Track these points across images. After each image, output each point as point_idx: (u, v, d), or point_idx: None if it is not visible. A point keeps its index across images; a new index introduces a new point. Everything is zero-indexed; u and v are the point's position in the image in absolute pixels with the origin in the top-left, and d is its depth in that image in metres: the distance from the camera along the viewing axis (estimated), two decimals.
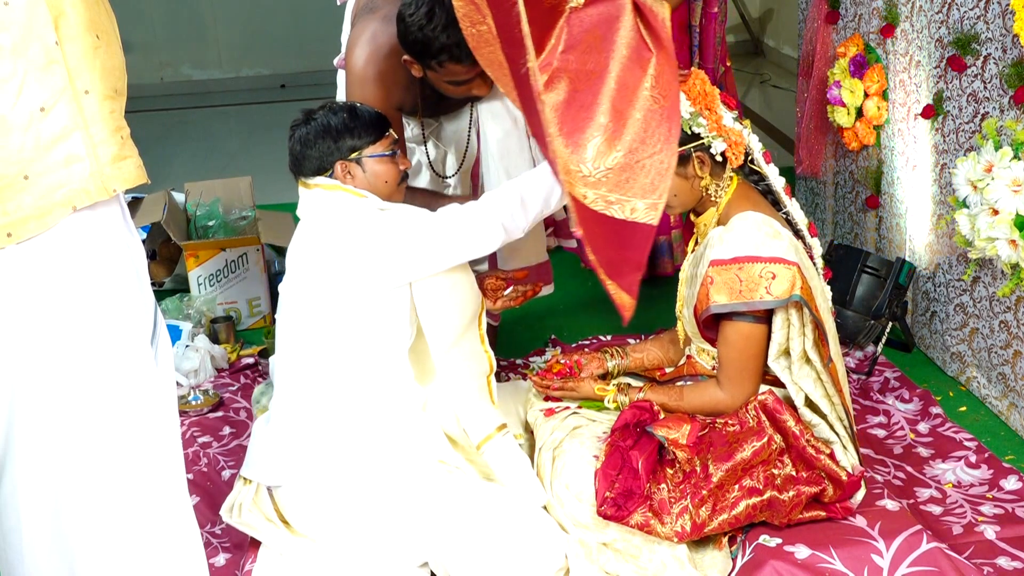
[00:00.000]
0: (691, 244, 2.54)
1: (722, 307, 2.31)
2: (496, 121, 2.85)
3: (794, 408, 2.36)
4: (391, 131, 2.45)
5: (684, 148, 2.33)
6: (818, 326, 2.32)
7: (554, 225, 3.15)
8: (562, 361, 2.63)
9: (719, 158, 2.36)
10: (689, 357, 2.61)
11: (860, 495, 2.39)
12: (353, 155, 2.39)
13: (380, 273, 2.33)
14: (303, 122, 2.43)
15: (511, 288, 2.59)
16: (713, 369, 2.50)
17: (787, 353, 2.35)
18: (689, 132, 2.31)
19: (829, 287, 2.55)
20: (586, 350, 3.45)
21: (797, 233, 2.46)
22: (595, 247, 2.04)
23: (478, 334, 2.48)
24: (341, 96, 3.20)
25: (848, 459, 2.36)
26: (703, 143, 2.34)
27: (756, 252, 2.29)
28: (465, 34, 2.02)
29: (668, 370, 2.69)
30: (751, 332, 2.34)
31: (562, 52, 2.17)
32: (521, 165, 2.85)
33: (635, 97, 2.12)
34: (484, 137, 2.87)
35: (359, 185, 2.40)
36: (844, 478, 2.31)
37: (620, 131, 2.12)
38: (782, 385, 2.38)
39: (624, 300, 2.02)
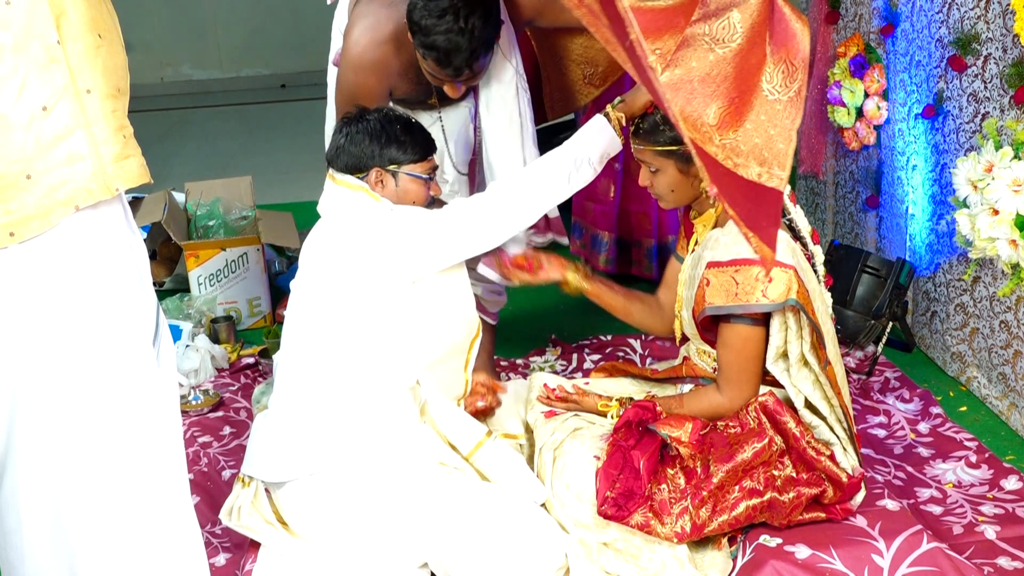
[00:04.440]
0: (691, 244, 2.54)
1: (717, 309, 2.31)
2: (492, 119, 2.85)
3: (794, 410, 2.36)
4: (434, 157, 2.48)
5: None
6: (815, 329, 2.32)
7: (547, 223, 3.16)
8: (528, 257, 2.60)
9: None
10: (686, 359, 2.61)
11: (860, 497, 2.39)
12: (391, 166, 2.41)
13: (390, 266, 2.34)
14: (356, 119, 2.45)
15: (484, 399, 2.64)
16: (713, 371, 2.49)
17: (785, 356, 2.35)
18: None
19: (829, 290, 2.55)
20: (586, 346, 3.47)
21: (800, 239, 2.44)
22: (732, 201, 2.07)
23: (464, 359, 2.50)
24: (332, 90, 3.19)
25: (848, 461, 2.36)
26: None
27: (753, 255, 2.28)
28: (576, 15, 2.07)
29: (660, 368, 2.69)
30: (749, 334, 2.34)
31: (695, 21, 2.23)
32: (516, 164, 2.85)
33: (756, 87, 2.18)
34: (482, 133, 2.87)
35: (386, 195, 2.42)
36: (844, 480, 2.31)
37: (743, 111, 2.17)
38: (783, 386, 2.38)
39: (765, 253, 2.05)
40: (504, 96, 2.82)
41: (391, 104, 2.89)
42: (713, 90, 2.20)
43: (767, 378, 2.41)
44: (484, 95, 2.84)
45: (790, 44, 2.21)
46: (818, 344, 2.34)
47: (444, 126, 2.96)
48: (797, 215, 2.45)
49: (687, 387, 2.56)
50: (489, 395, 2.62)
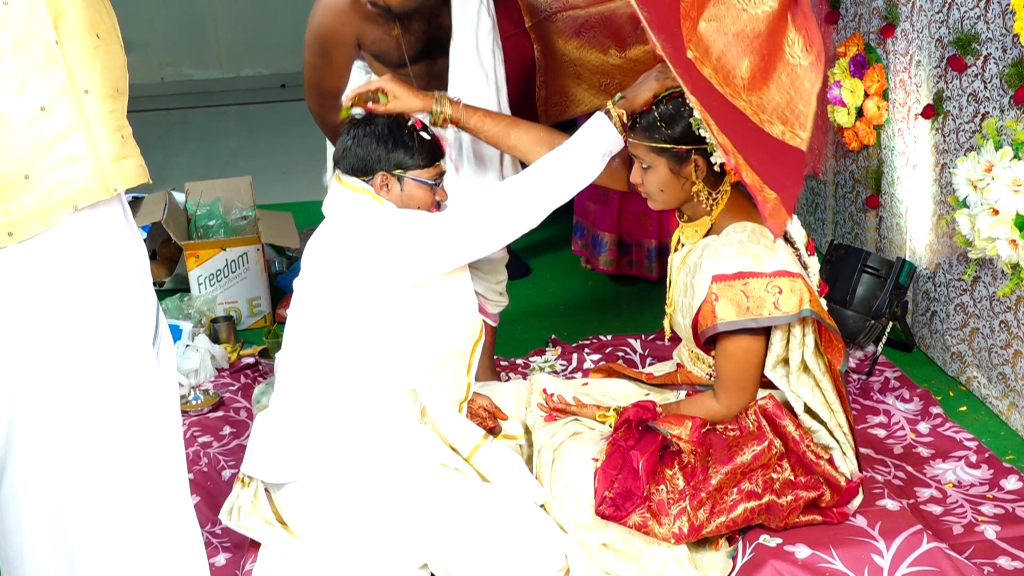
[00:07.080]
0: (674, 242, 2.52)
1: (730, 324, 2.28)
2: (463, 69, 2.79)
3: (794, 413, 2.36)
4: (442, 162, 2.47)
5: (686, 148, 2.32)
6: (827, 330, 2.31)
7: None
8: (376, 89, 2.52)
9: (717, 168, 2.34)
10: (680, 366, 2.60)
11: (857, 501, 2.39)
12: (397, 171, 2.40)
13: (394, 269, 2.34)
14: (364, 122, 2.45)
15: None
16: (709, 378, 2.49)
17: (785, 362, 2.34)
18: (696, 133, 2.30)
19: (829, 288, 2.54)
20: (586, 346, 3.47)
21: (795, 249, 2.42)
22: (758, 161, 2.09)
23: (467, 362, 2.49)
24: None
25: (847, 465, 2.36)
26: (705, 148, 2.33)
27: (759, 267, 2.27)
28: None
29: (656, 373, 2.68)
30: (750, 345, 2.33)
31: None
32: (493, 158, 2.84)
33: (780, 49, 2.23)
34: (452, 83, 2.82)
35: (391, 199, 2.41)
36: (843, 484, 2.31)
37: (769, 71, 2.21)
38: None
39: (780, 218, 2.06)
40: (479, 44, 2.75)
41: (361, 55, 2.85)
42: (747, 45, 2.23)
43: (765, 380, 2.40)
44: (457, 46, 2.77)
45: (808, 20, 2.23)
46: (826, 349, 2.34)
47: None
48: (793, 226, 2.42)
49: (684, 394, 2.55)
50: (490, 420, 2.61)
